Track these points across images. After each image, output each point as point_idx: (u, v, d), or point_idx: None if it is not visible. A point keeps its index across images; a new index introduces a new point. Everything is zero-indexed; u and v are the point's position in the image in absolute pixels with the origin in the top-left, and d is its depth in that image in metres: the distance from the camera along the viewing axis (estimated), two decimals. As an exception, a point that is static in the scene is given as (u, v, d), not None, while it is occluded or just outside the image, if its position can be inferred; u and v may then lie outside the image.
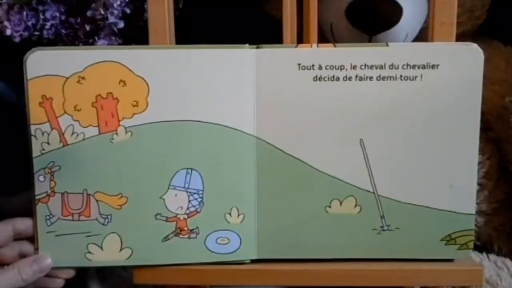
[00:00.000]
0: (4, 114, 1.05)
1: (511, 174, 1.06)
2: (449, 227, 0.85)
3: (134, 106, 0.81)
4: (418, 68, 0.81)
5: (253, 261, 0.87)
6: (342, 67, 0.81)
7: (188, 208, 0.84)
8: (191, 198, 0.84)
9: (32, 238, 0.84)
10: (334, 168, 0.84)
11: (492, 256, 1.02)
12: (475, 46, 0.80)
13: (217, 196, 0.84)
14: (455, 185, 0.84)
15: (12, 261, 0.82)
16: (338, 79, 0.81)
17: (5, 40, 1.00)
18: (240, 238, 0.86)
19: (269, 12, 1.08)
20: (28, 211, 0.84)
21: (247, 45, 0.82)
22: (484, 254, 1.03)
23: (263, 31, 0.93)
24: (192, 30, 1.00)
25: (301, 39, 0.87)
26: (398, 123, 0.83)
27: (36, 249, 0.84)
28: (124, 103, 0.81)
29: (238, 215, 0.85)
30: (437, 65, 0.81)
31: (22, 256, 0.83)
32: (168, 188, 0.83)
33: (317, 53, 0.82)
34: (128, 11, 0.99)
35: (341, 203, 0.85)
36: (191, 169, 0.83)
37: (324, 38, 0.95)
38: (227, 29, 1.02)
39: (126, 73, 0.81)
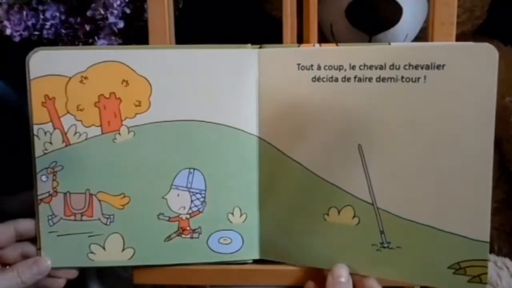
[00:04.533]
0: (3, 114, 1.04)
1: (511, 174, 1.06)
2: (458, 254, 0.78)
3: (136, 106, 0.81)
4: (422, 68, 0.77)
5: (255, 261, 0.87)
6: (341, 67, 0.79)
7: (190, 208, 0.84)
8: (193, 198, 0.84)
9: (34, 239, 0.84)
10: (332, 174, 0.82)
11: (492, 256, 1.01)
12: (489, 45, 0.78)
13: (220, 196, 0.84)
14: (465, 204, 0.76)
15: (14, 262, 0.83)
16: (336, 79, 0.80)
17: (5, 40, 1.00)
18: (242, 238, 0.86)
19: (269, 12, 1.08)
20: (29, 211, 0.84)
21: (249, 45, 0.82)
22: (484, 254, 1.03)
23: (263, 31, 0.93)
24: (192, 30, 1.00)
25: (301, 39, 0.87)
26: (399, 129, 0.78)
27: (38, 249, 0.84)
28: (127, 103, 0.81)
29: (241, 215, 0.85)
30: (443, 65, 0.76)
31: (24, 257, 0.84)
32: (171, 188, 0.84)
33: (315, 52, 0.81)
34: (128, 11, 0.99)
35: (339, 212, 0.82)
36: (194, 169, 0.83)
37: (324, 38, 0.95)
38: (227, 29, 1.03)
39: (129, 73, 0.81)
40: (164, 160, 0.83)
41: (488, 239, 0.76)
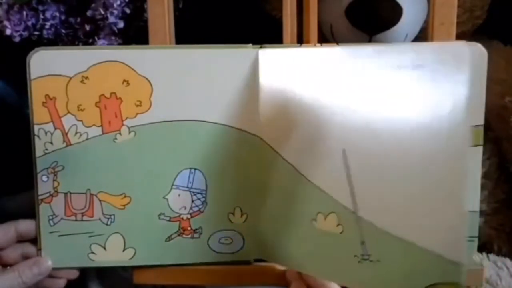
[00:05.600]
0: (3, 114, 1.04)
1: (511, 174, 1.06)
2: (436, 275, 0.75)
3: (137, 106, 0.81)
4: (406, 69, 0.74)
5: (256, 261, 0.87)
6: (327, 68, 0.78)
7: (191, 208, 0.84)
8: (194, 198, 0.84)
9: (34, 240, 0.84)
10: (319, 178, 0.79)
11: (492, 256, 1.01)
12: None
13: (220, 196, 0.84)
14: (441, 221, 0.73)
15: (15, 262, 0.83)
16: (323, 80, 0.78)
17: (5, 40, 1.00)
18: (243, 238, 0.86)
19: (269, 12, 1.08)
20: (29, 211, 0.84)
21: (250, 45, 0.82)
22: (484, 254, 1.03)
23: (263, 31, 0.93)
24: (192, 30, 1.00)
25: (301, 39, 0.87)
26: (379, 135, 0.75)
27: (39, 249, 0.84)
28: (128, 103, 0.82)
29: (241, 215, 0.85)
30: (422, 65, 0.73)
31: (25, 257, 0.84)
32: (172, 188, 0.84)
33: (307, 52, 0.80)
34: (128, 11, 0.99)
35: (325, 218, 0.80)
36: (195, 169, 0.83)
37: (324, 38, 0.95)
38: (227, 29, 1.02)
39: (130, 73, 0.81)
40: (165, 160, 0.83)
41: (464, 261, 0.72)
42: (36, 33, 1.00)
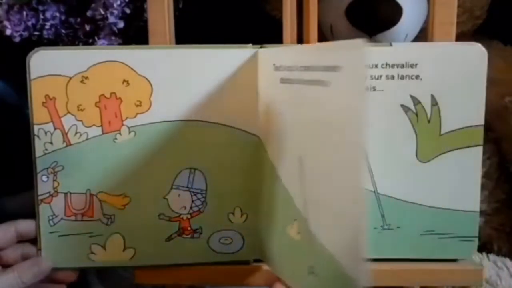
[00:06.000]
0: (3, 114, 1.04)
1: (511, 174, 1.07)
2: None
3: (137, 106, 0.81)
4: (324, 70, 0.61)
5: (256, 261, 0.87)
6: (292, 68, 0.73)
7: (191, 208, 0.84)
8: (194, 198, 0.84)
9: (34, 240, 0.84)
10: (289, 185, 0.75)
11: (492, 256, 1.01)
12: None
13: (220, 196, 0.84)
14: (350, 240, 0.60)
15: (15, 263, 0.82)
16: (291, 81, 0.72)
17: (5, 40, 1.00)
18: (243, 238, 0.86)
19: (269, 12, 1.08)
20: (29, 211, 0.84)
21: (250, 45, 0.82)
22: (484, 254, 1.03)
23: (263, 31, 0.93)
24: (192, 30, 1.00)
25: (301, 39, 0.87)
26: (340, 144, 0.61)
27: (39, 249, 0.83)
28: (128, 103, 0.81)
29: (241, 215, 0.85)
30: (338, 66, 0.60)
31: (25, 258, 0.83)
32: (172, 188, 0.83)
33: (282, 52, 0.79)
34: (128, 11, 0.99)
35: (292, 224, 0.74)
36: (195, 169, 0.83)
37: (324, 38, 0.95)
38: (227, 29, 1.03)
39: (130, 73, 0.81)
40: (165, 160, 0.83)
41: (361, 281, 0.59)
42: (36, 33, 1.00)
